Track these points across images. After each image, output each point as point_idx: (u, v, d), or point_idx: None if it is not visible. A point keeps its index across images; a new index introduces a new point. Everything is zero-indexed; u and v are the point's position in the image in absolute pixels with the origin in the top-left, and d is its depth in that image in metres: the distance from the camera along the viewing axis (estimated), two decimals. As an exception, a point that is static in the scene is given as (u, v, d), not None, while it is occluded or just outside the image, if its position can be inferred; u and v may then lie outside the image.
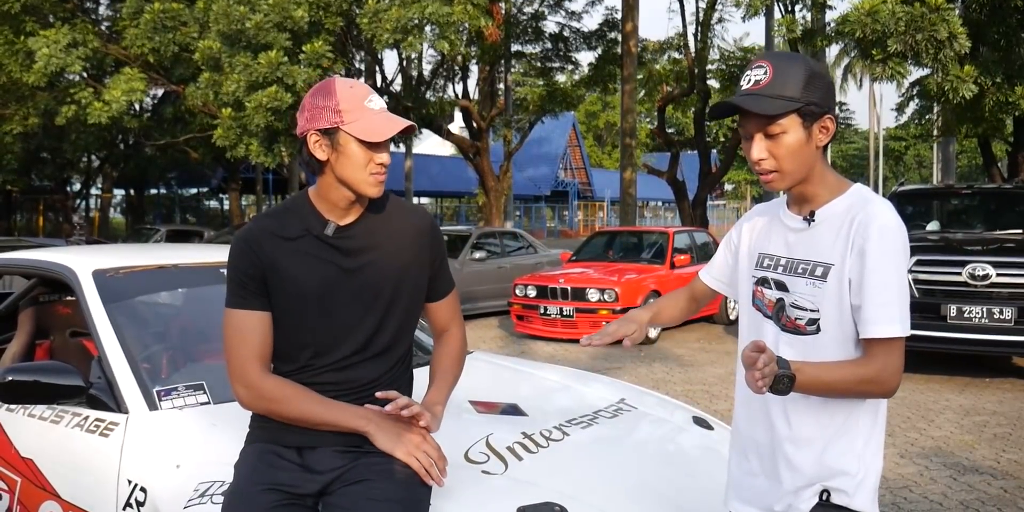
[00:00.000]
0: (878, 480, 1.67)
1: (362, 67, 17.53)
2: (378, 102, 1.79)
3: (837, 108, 1.71)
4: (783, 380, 1.50)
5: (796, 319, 1.66)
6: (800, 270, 1.66)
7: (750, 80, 1.61)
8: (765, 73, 1.59)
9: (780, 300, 1.69)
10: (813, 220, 1.65)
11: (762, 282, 1.74)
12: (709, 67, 17.62)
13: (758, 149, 1.63)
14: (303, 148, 1.80)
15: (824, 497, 1.63)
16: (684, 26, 17.19)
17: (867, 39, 8.81)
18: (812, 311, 1.63)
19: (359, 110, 1.75)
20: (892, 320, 1.56)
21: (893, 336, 1.56)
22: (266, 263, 1.80)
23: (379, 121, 1.76)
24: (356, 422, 1.78)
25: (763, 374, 1.43)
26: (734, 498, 1.81)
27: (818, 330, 1.63)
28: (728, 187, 56.98)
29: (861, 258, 1.57)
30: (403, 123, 1.77)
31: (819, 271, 1.63)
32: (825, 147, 1.66)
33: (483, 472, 2.05)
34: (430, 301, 2.00)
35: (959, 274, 6.87)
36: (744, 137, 1.66)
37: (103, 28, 17.52)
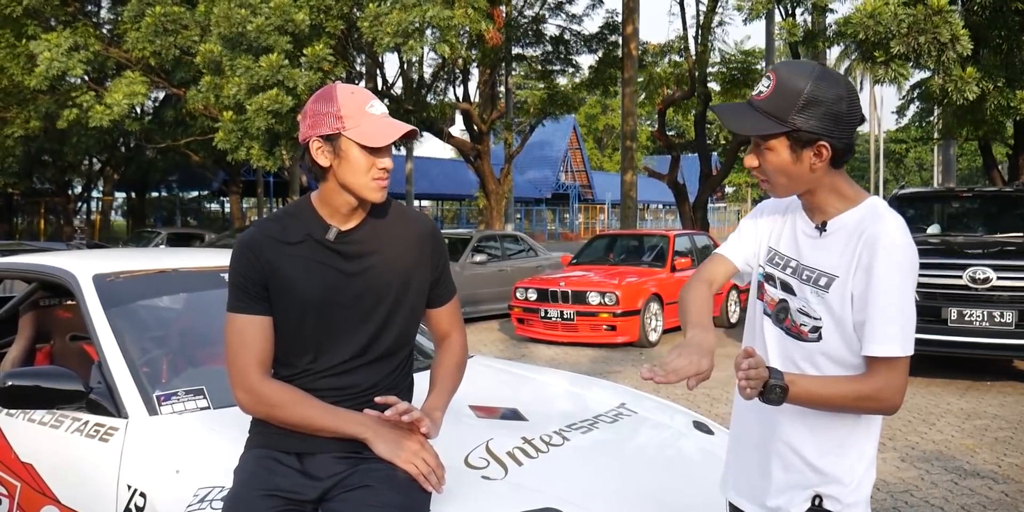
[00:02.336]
0: (870, 491, 1.67)
1: (363, 70, 17.56)
2: (379, 107, 1.79)
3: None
4: (775, 390, 1.49)
5: (801, 325, 1.65)
6: (806, 277, 1.65)
7: (758, 89, 1.60)
8: (768, 86, 1.58)
9: (783, 301, 1.68)
10: (825, 230, 1.64)
11: (768, 278, 1.73)
12: (710, 70, 17.63)
13: (750, 157, 1.64)
14: (306, 154, 1.80)
15: (816, 502, 1.63)
16: (685, 29, 17.21)
17: (869, 41, 8.81)
18: (815, 319, 1.63)
19: (360, 116, 1.75)
20: (892, 340, 1.55)
21: (892, 355, 1.55)
22: (267, 268, 1.81)
23: (380, 126, 1.76)
24: (355, 429, 1.78)
25: (746, 376, 1.44)
26: (731, 488, 1.82)
27: (820, 338, 1.63)
28: (729, 190, 57.02)
29: (867, 275, 1.55)
30: (404, 127, 1.77)
31: (823, 281, 1.62)
32: (841, 164, 1.63)
33: (483, 477, 2.05)
34: (431, 307, 1.99)
35: (960, 277, 6.86)
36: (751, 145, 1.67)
37: (104, 31, 17.56)
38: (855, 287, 1.57)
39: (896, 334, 1.55)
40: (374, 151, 1.76)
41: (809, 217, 1.69)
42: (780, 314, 1.69)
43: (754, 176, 1.66)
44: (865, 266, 1.56)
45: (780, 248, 1.73)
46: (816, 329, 1.63)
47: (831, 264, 1.61)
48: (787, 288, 1.68)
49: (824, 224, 1.65)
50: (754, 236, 1.79)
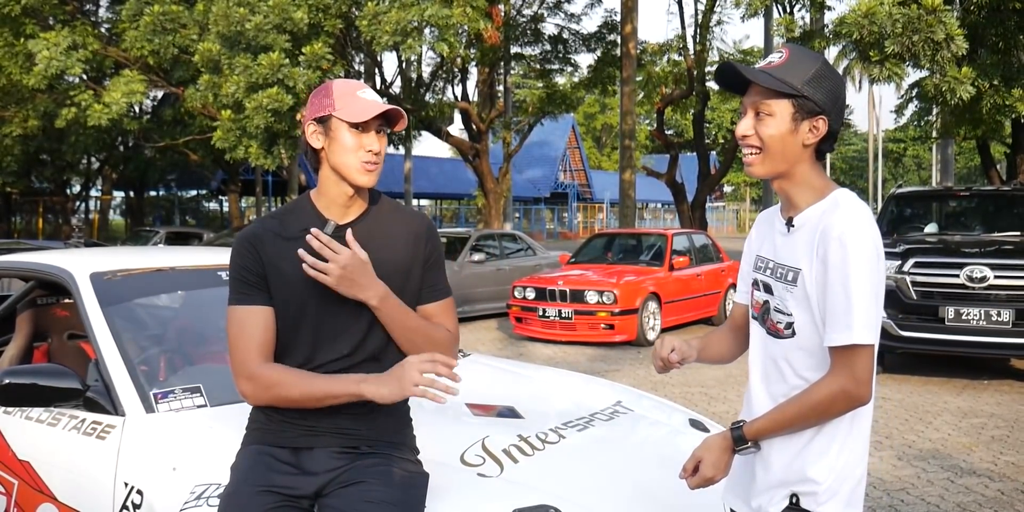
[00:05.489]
0: (856, 488, 1.66)
1: (361, 69, 17.56)
2: (371, 94, 1.86)
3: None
4: (739, 441, 1.68)
5: (777, 323, 1.69)
6: (779, 274, 1.69)
7: (768, 60, 1.67)
8: (781, 57, 1.65)
9: (766, 302, 1.72)
10: (793, 226, 1.68)
11: (755, 284, 1.77)
12: (708, 69, 17.64)
13: (745, 124, 1.67)
14: (304, 141, 1.86)
15: (794, 501, 1.65)
16: (683, 28, 17.23)
17: (864, 40, 8.81)
18: (788, 315, 1.66)
19: (350, 98, 1.83)
20: (843, 329, 1.55)
21: (843, 344, 1.55)
22: (266, 262, 1.82)
23: (367, 104, 1.83)
24: (351, 387, 1.74)
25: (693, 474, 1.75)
26: (726, 487, 1.85)
27: (793, 334, 1.66)
28: (727, 189, 57.03)
29: (823, 267, 1.58)
30: (386, 105, 1.83)
31: (791, 276, 1.65)
32: (822, 155, 1.68)
33: (479, 474, 2.06)
34: (422, 303, 1.94)
35: (957, 276, 6.87)
36: (741, 113, 1.70)
37: (103, 30, 17.54)
38: (817, 278, 1.60)
39: (846, 323, 1.55)
40: (362, 131, 1.81)
41: (784, 215, 1.73)
42: (764, 315, 1.73)
43: (741, 146, 1.68)
44: (821, 257, 1.58)
45: (763, 252, 1.77)
46: (790, 325, 1.66)
47: (797, 258, 1.65)
48: (768, 289, 1.72)
49: (791, 220, 1.68)
50: (747, 264, 1.84)
